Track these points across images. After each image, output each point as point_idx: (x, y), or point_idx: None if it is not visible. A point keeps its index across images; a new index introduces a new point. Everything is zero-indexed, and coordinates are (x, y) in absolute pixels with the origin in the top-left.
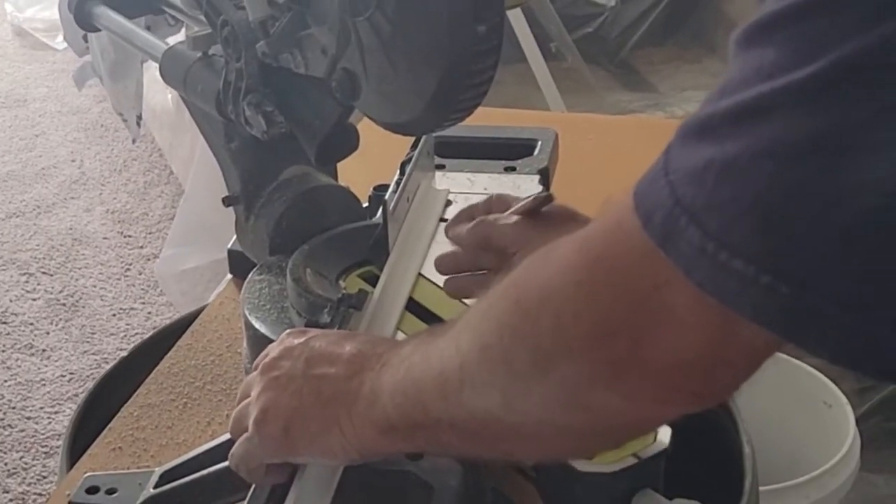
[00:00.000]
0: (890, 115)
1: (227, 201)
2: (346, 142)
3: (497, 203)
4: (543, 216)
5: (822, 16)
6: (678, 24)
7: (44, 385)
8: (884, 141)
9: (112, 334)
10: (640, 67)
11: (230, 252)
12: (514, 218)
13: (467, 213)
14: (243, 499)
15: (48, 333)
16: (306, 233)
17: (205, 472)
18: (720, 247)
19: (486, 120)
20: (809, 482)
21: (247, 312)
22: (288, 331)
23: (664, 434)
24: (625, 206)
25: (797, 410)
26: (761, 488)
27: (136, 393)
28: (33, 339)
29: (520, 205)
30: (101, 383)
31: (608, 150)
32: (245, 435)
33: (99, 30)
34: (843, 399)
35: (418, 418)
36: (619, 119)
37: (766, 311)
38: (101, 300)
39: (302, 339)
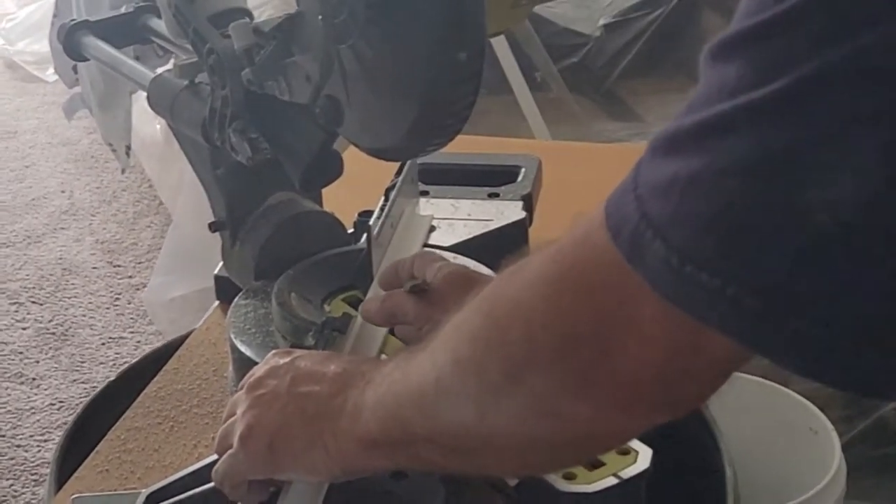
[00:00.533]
0: (847, 134)
1: (213, 227)
2: (331, 168)
3: (420, 262)
4: (440, 290)
5: (781, 35)
6: (663, 54)
7: (33, 413)
8: (840, 160)
9: (101, 363)
10: (625, 97)
11: (217, 278)
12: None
13: (392, 271)
14: None
15: (38, 362)
16: (291, 258)
17: (190, 492)
18: (685, 260)
19: (471, 147)
20: None
21: (232, 336)
22: (273, 351)
23: (645, 455)
24: (595, 220)
25: (783, 436)
26: None
27: (124, 416)
28: (23, 368)
29: (406, 286)
30: (88, 407)
31: (592, 178)
32: (230, 451)
33: (87, 59)
34: (830, 426)
35: (398, 433)
36: (603, 147)
37: (730, 323)
38: (91, 329)
39: (287, 359)
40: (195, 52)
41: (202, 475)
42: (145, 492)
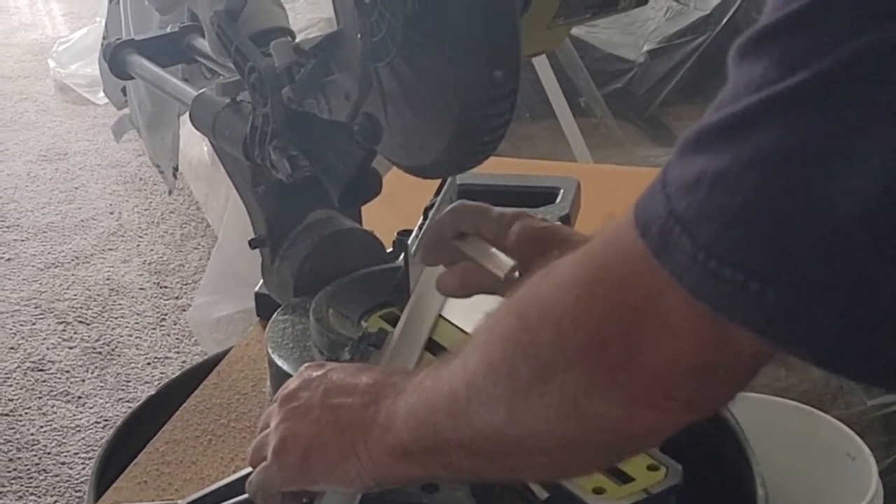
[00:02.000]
0: (870, 124)
1: (253, 244)
2: (369, 186)
3: (460, 216)
4: (515, 252)
5: (805, 29)
6: (706, 81)
7: (79, 431)
8: (864, 149)
9: (146, 382)
10: (669, 123)
11: (257, 295)
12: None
13: (437, 231)
14: None
15: (84, 381)
16: (329, 275)
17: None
18: (710, 255)
19: (512, 170)
20: None
21: (270, 351)
22: (306, 364)
23: (675, 470)
24: (625, 221)
25: (821, 461)
26: None
27: (163, 429)
28: (69, 387)
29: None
30: (129, 420)
31: (631, 200)
32: (263, 463)
33: (132, 77)
34: (867, 451)
35: (430, 440)
36: (642, 171)
37: (754, 317)
38: (137, 349)
39: (320, 372)
40: (237, 70)
41: (237, 487)
42: (182, 502)
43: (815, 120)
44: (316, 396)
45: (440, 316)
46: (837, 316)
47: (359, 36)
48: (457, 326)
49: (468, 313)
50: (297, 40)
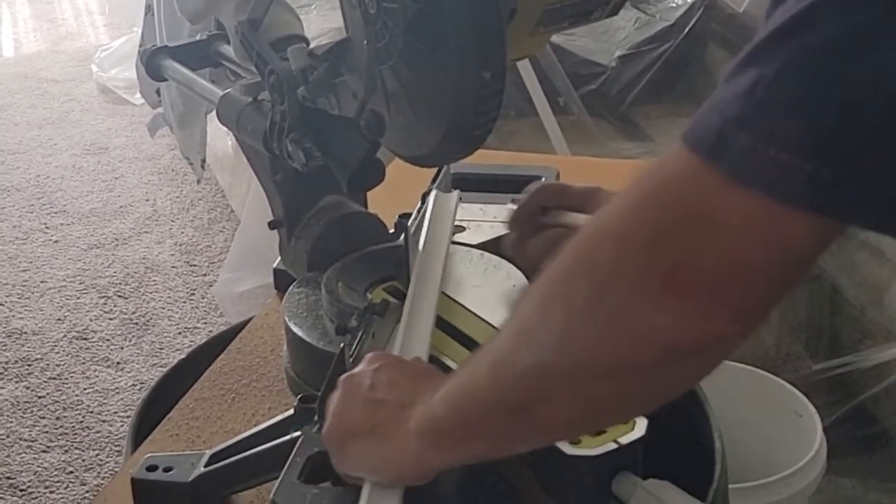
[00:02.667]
0: None
1: (272, 225)
2: (374, 174)
3: (544, 193)
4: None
5: None
6: (671, 83)
7: (118, 393)
8: None
9: (178, 350)
10: (638, 120)
11: (275, 270)
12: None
13: (524, 208)
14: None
15: (122, 348)
16: (339, 252)
17: (247, 453)
18: (769, 143)
19: (499, 160)
20: (780, 481)
21: (287, 319)
22: (373, 353)
23: (641, 424)
24: (671, 149)
25: (772, 419)
26: (738, 486)
27: (192, 388)
28: (109, 354)
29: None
30: (162, 381)
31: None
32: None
33: (166, 80)
34: (813, 409)
35: (466, 407)
36: (613, 162)
37: (810, 196)
38: (169, 320)
39: (377, 365)
40: (258, 72)
41: (258, 439)
42: (209, 452)
43: (864, 10)
44: (363, 387)
45: (464, 307)
46: (887, 185)
47: (365, 42)
48: (455, 301)
49: (490, 304)
50: (311, 46)
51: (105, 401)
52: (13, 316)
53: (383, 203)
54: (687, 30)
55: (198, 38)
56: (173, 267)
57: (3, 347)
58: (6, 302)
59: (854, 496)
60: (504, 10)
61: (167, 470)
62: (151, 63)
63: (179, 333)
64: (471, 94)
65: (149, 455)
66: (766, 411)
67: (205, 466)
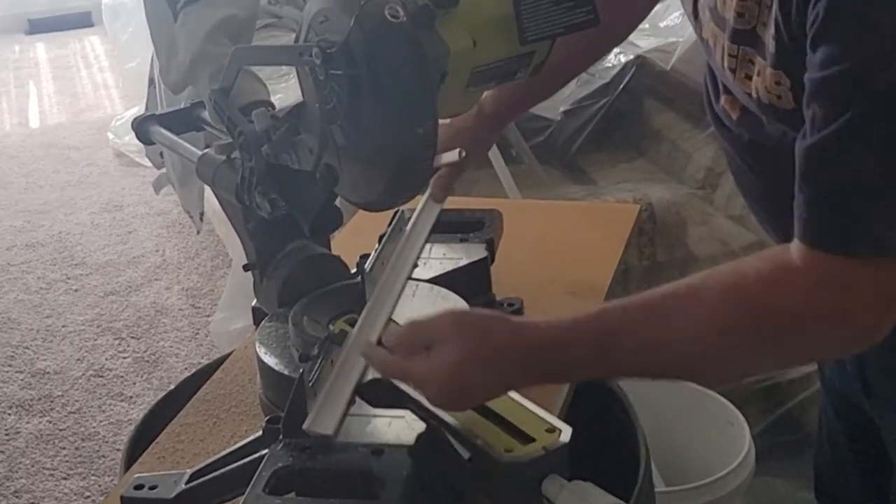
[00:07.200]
0: None
1: (245, 267)
2: (332, 220)
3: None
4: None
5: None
6: (611, 132)
7: (131, 424)
8: None
9: None
10: (584, 167)
11: (253, 309)
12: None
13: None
14: None
15: (135, 384)
16: (305, 290)
17: (222, 470)
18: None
19: (454, 205)
20: (713, 482)
21: (258, 350)
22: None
23: (566, 432)
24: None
25: (706, 428)
26: (678, 488)
27: (178, 415)
28: (123, 389)
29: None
30: (154, 409)
31: (543, 226)
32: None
33: (154, 143)
34: (742, 419)
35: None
36: (555, 203)
37: None
38: (176, 357)
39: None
40: (229, 133)
41: (232, 458)
42: (189, 471)
43: None
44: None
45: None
46: None
47: (317, 105)
48: None
49: None
50: (276, 110)
51: (119, 431)
52: (38, 358)
53: (348, 245)
54: (622, 86)
55: (181, 106)
56: (180, 310)
57: (29, 386)
58: (31, 346)
59: (784, 494)
60: (435, 73)
61: (153, 488)
62: (141, 129)
63: (185, 369)
64: (407, 148)
65: (137, 475)
66: (701, 421)
67: (186, 484)
